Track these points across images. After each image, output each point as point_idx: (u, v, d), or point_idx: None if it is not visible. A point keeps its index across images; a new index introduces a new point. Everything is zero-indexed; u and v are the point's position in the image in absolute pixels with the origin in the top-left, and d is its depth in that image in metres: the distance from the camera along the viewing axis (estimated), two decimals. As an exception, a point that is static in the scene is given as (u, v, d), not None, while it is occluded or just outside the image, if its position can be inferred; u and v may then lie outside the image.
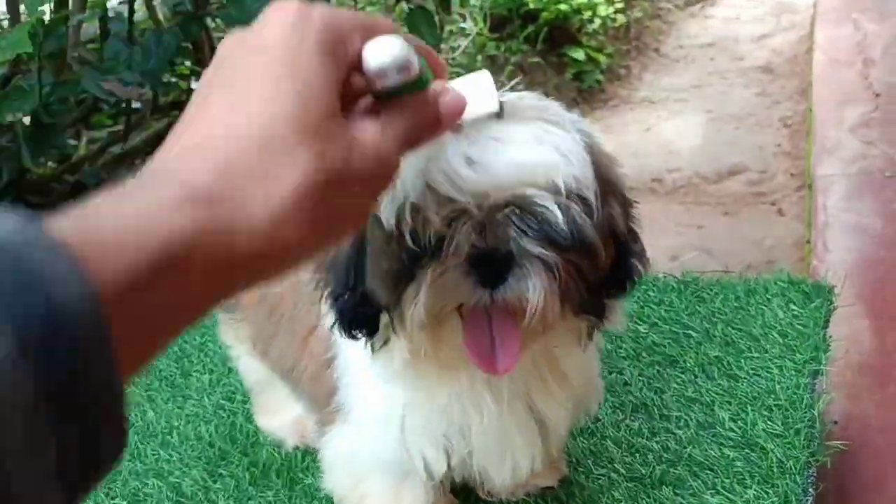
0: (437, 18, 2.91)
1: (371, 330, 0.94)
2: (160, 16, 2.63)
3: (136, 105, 2.78)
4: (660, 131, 4.89)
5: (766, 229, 4.05)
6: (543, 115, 0.85)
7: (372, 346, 0.96)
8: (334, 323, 0.95)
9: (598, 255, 0.87)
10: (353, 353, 1.05)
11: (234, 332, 1.41)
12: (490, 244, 0.81)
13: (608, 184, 0.90)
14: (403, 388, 1.02)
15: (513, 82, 0.95)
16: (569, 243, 0.83)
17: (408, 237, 0.83)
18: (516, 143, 0.80)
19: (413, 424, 1.05)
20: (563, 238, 0.82)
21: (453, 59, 4.16)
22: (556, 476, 1.29)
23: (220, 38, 3.69)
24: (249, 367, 1.42)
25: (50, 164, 2.86)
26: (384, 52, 0.61)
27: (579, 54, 5.11)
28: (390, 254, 0.86)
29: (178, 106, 2.99)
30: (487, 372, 0.89)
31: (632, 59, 5.57)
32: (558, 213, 0.81)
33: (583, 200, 0.84)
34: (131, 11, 2.47)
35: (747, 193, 4.36)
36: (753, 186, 4.39)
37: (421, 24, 2.73)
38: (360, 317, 0.93)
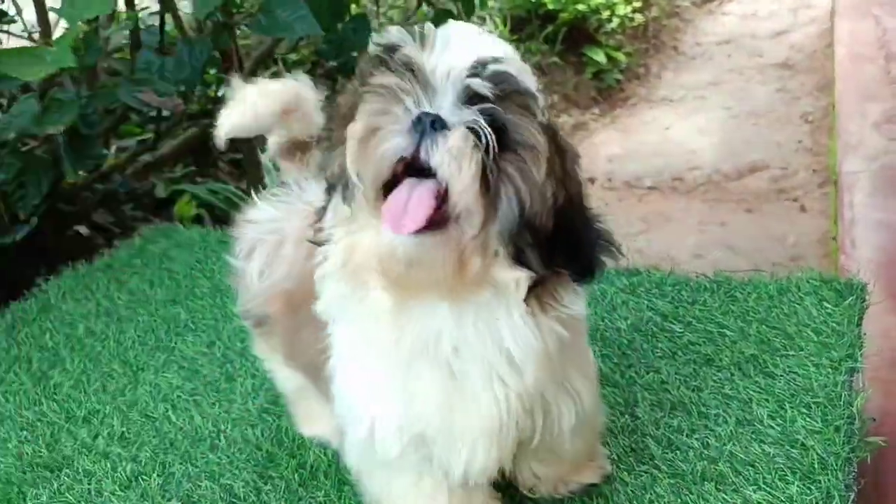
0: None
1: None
2: (185, 26, 2.68)
3: (165, 114, 2.83)
4: (680, 130, 4.90)
5: (789, 226, 4.05)
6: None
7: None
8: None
9: (536, 163, 0.93)
10: (340, 335, 1.09)
11: (266, 343, 1.45)
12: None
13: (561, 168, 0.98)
14: (371, 355, 1.05)
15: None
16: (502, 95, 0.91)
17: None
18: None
19: (375, 400, 1.07)
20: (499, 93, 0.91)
21: (474, 61, 4.19)
22: (599, 473, 1.32)
23: (246, 46, 3.73)
24: (286, 376, 1.45)
25: (80, 173, 2.91)
26: None
27: (598, 55, 5.12)
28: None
29: (207, 114, 3.04)
30: (393, 230, 0.91)
31: (650, 57, 5.58)
32: (511, 69, 0.92)
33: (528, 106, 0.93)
34: (162, 23, 2.52)
35: (769, 190, 4.36)
36: (775, 183, 4.39)
37: (445, 28, 2.75)
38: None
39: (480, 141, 0.89)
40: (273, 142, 1.45)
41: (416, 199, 0.90)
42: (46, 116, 1.98)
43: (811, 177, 4.32)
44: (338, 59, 2.69)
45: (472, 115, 0.90)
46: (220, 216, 3.20)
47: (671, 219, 4.23)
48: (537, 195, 0.94)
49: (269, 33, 2.43)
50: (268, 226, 1.35)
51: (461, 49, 0.92)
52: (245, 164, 3.08)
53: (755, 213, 4.19)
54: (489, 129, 0.89)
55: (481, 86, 0.90)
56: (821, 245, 3.94)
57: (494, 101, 0.91)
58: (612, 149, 4.83)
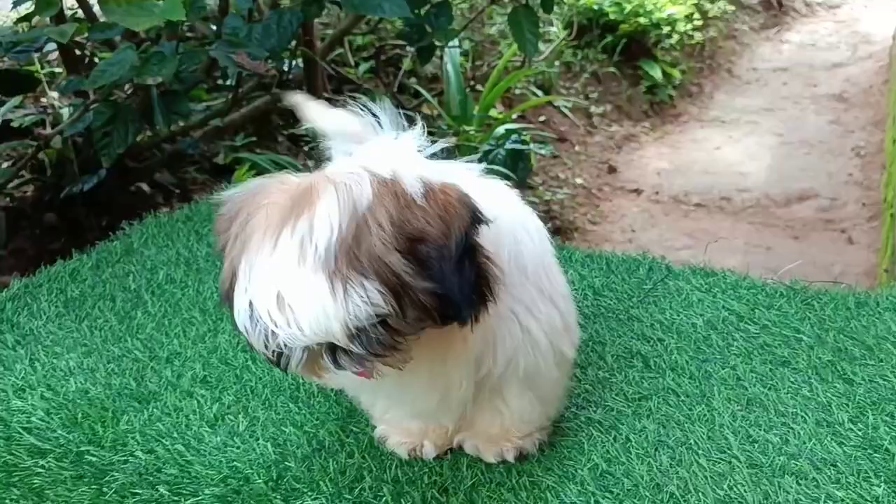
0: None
1: None
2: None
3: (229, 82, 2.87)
4: (730, 151, 4.92)
5: (834, 256, 4.05)
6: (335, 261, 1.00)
7: None
8: None
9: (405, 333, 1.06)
10: None
11: None
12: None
13: (403, 285, 1.03)
14: None
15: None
16: (376, 349, 1.05)
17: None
18: (310, 305, 0.99)
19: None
20: (368, 350, 1.04)
21: (536, 63, 4.22)
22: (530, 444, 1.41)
23: (323, 25, 3.78)
24: None
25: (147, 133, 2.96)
26: None
27: (655, 70, 5.14)
28: None
29: (281, 84, 3.09)
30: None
31: (704, 77, 5.60)
32: (355, 346, 1.03)
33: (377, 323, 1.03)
34: (255, -10, 2.57)
35: (816, 219, 4.36)
36: (823, 213, 4.39)
37: (523, 22, 2.79)
38: None
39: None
40: None
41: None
42: (146, 67, 2.03)
43: (860, 210, 4.32)
44: (419, 43, 2.74)
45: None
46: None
47: (717, 237, 4.23)
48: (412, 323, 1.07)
49: (359, 11, 2.47)
50: None
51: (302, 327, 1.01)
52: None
53: (801, 241, 4.19)
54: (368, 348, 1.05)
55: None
56: (867, 277, 3.93)
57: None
58: (660, 163, 4.85)
